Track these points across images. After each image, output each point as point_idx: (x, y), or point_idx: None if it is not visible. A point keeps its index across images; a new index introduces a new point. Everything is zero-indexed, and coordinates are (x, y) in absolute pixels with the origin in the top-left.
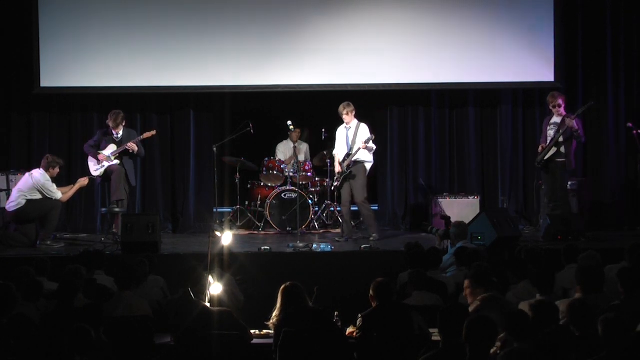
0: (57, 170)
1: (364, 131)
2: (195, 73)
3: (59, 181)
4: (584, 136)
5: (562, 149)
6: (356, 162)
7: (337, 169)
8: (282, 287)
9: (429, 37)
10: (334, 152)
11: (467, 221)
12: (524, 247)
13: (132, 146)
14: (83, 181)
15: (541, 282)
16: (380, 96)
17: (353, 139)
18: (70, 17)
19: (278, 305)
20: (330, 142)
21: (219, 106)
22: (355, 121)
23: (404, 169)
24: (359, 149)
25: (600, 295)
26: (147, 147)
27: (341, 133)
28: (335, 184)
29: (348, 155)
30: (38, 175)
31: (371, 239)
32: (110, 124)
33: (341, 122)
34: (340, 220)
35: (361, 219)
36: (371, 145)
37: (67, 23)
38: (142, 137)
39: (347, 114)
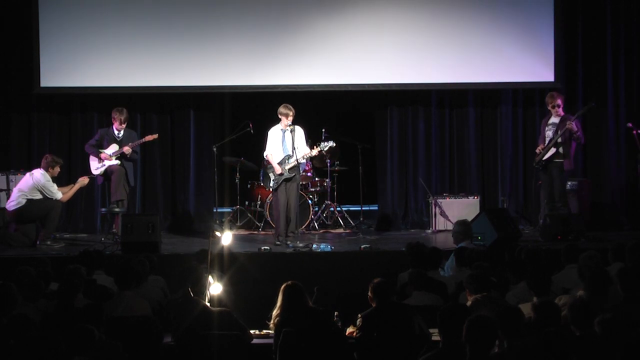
0: (57, 169)
1: (302, 135)
2: (195, 73)
3: (59, 181)
4: (583, 137)
5: (561, 150)
6: (295, 167)
7: (278, 170)
8: (283, 285)
9: (429, 37)
10: (267, 153)
11: None
12: (524, 247)
13: (128, 150)
14: (83, 180)
15: (536, 285)
16: (380, 96)
17: (292, 142)
18: (70, 17)
19: (278, 304)
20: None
21: (219, 106)
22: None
23: (404, 169)
24: (315, 154)
25: (602, 296)
26: (147, 147)
27: (277, 134)
28: (272, 185)
29: (288, 157)
30: (39, 176)
31: (293, 233)
32: (121, 119)
33: (273, 121)
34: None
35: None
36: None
37: (67, 23)
38: (144, 139)
39: (291, 116)
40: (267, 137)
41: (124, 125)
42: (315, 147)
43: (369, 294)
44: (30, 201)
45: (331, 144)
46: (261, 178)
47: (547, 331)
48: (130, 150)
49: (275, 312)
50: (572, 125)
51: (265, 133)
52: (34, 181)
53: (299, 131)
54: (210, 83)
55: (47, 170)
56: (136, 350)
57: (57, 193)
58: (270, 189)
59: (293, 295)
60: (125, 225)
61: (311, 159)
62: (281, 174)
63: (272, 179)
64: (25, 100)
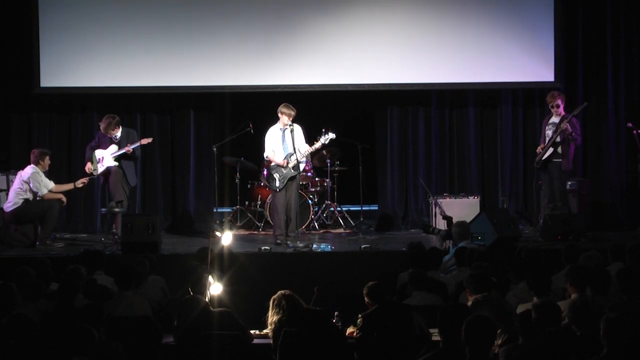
0: (47, 160)
1: (301, 133)
2: (195, 73)
3: (59, 180)
4: (580, 137)
5: (559, 150)
6: (296, 165)
7: (284, 163)
8: (272, 299)
9: (429, 37)
10: (267, 154)
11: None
12: (524, 247)
13: (129, 149)
14: (82, 180)
15: (537, 285)
16: (380, 96)
17: (292, 141)
18: (70, 17)
19: (270, 312)
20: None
21: (219, 106)
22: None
23: (404, 169)
24: (318, 147)
25: (602, 295)
26: (147, 147)
27: (276, 134)
28: (278, 185)
29: (290, 155)
30: (27, 169)
31: (293, 233)
32: (101, 126)
33: (273, 121)
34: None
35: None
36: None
37: (67, 23)
38: (139, 143)
39: (293, 115)
40: (266, 138)
41: (111, 131)
42: (316, 141)
43: (365, 298)
44: (27, 201)
45: (331, 135)
46: (265, 179)
47: (547, 331)
48: (131, 150)
49: (270, 319)
50: (567, 125)
51: (264, 134)
52: (23, 176)
53: (298, 130)
54: (210, 83)
55: (37, 164)
56: (136, 350)
57: (43, 188)
58: (277, 190)
59: (286, 306)
60: (125, 225)
61: (312, 155)
62: (286, 167)
63: (277, 179)
64: (25, 100)
